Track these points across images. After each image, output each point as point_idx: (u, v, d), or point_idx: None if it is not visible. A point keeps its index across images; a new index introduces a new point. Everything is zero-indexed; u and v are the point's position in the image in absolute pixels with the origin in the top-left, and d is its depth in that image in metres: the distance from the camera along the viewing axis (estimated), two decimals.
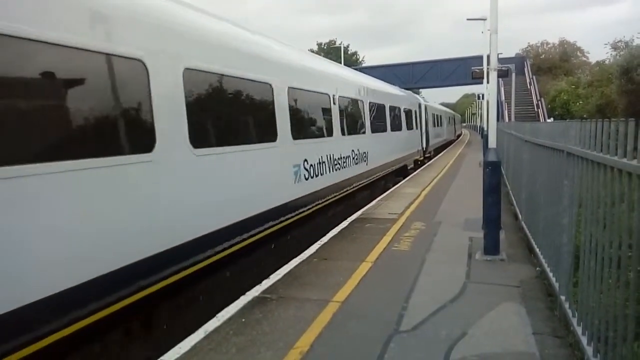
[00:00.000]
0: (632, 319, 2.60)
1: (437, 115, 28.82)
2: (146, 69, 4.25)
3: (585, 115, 25.58)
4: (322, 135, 9.06)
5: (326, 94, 9.17)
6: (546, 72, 45.13)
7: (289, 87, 7.23)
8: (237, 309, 4.91)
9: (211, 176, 5.15)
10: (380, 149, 13.58)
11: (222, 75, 5.59)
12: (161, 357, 3.95)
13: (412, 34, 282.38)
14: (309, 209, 7.88)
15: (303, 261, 6.58)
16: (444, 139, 32.76)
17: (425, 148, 22.28)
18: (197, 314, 4.80)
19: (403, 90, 20.38)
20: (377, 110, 13.28)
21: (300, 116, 7.90)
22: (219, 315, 4.77)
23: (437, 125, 28.31)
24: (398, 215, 9.62)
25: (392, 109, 15.21)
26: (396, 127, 15.67)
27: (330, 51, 56.71)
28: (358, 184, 11.25)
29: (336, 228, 8.67)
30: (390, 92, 16.16)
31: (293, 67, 8.02)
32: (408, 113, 17.99)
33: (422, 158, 21.37)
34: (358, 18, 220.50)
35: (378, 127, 13.26)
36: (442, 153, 28.44)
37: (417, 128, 20.01)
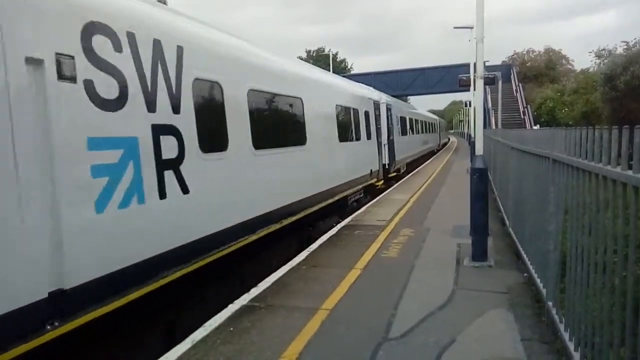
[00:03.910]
0: (618, 325, 2.61)
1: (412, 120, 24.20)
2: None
3: (570, 122, 25.94)
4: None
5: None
6: (532, 80, 45.65)
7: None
8: (224, 318, 4.86)
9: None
10: None
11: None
12: None
13: (401, 43, 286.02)
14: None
15: (292, 268, 6.55)
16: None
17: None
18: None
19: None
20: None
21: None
22: (207, 324, 4.71)
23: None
24: (387, 222, 9.64)
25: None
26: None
27: (319, 58, 56.89)
28: None
29: (325, 235, 8.65)
30: None
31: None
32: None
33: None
34: (349, 27, 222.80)
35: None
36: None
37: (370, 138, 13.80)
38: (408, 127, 21.90)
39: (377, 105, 14.93)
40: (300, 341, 4.25)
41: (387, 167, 15.54)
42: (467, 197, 7.02)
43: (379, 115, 15.06)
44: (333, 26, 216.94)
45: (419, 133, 27.06)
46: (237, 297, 5.35)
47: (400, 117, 19.65)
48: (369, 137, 13.15)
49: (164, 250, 4.41)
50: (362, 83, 17.81)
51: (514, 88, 35.86)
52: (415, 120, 25.36)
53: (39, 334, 3.24)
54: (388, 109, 16.27)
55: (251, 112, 6.40)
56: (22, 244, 3.14)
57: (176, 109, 4.72)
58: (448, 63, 41.83)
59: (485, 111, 29.31)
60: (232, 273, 6.14)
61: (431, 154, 34.84)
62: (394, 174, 17.12)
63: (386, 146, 15.44)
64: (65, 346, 3.57)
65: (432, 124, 38.41)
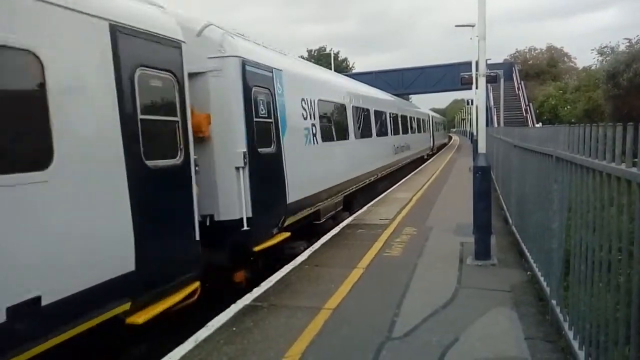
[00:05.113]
0: (623, 323, 2.59)
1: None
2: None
3: (573, 120, 25.87)
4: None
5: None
6: (534, 78, 45.56)
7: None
8: (228, 318, 4.86)
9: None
10: None
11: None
12: None
13: (402, 42, 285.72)
14: None
15: (295, 268, 6.55)
16: None
17: None
18: None
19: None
20: None
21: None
22: (210, 324, 4.71)
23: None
24: (389, 220, 9.62)
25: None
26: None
27: (320, 58, 56.86)
28: None
29: (328, 234, 8.64)
30: None
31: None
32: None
33: None
34: (350, 26, 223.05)
35: None
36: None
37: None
38: (351, 123, 11.68)
39: (164, 56, 4.71)
40: (303, 341, 4.24)
41: (252, 224, 6.12)
42: (469, 196, 7.00)
43: (184, 87, 4.95)
44: (334, 25, 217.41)
45: (383, 135, 15.70)
46: None
47: (319, 101, 9.38)
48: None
49: None
50: (364, 82, 17.20)
51: (516, 86, 35.78)
52: (374, 112, 14.41)
53: None
54: (253, 77, 6.47)
55: None
56: None
57: None
58: (450, 61, 41.71)
59: (488, 109, 29.29)
60: None
61: (420, 160, 25.57)
62: (284, 236, 7.08)
63: (243, 172, 6.08)
64: None
65: (418, 120, 25.86)
